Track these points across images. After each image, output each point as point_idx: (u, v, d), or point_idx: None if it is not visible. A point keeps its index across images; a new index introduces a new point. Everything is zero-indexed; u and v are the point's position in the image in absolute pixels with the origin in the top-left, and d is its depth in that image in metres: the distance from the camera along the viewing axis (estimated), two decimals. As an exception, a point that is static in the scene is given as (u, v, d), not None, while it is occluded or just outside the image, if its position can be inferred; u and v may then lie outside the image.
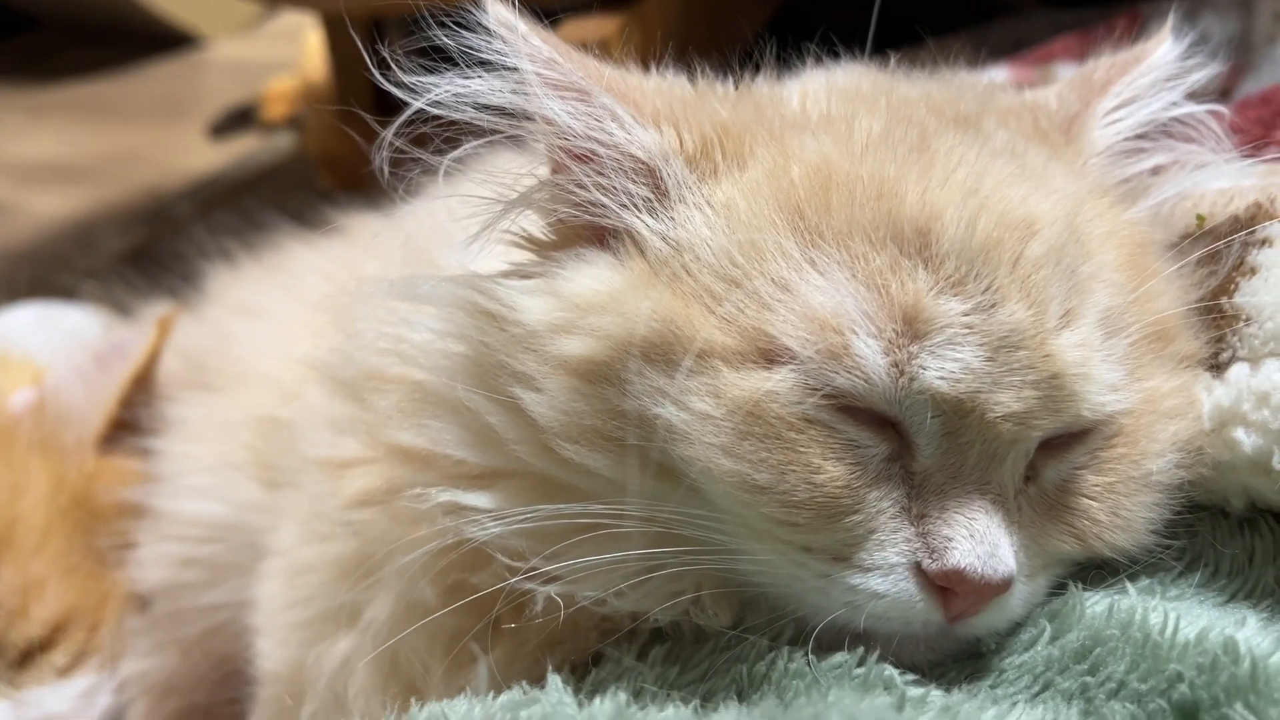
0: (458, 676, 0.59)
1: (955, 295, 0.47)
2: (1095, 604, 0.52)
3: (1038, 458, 0.50)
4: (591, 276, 0.53)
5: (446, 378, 0.57)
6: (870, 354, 0.47)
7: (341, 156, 1.85)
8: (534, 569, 0.54)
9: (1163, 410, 0.52)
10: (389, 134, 0.55)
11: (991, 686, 0.51)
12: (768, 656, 0.52)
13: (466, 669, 0.59)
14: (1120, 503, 0.51)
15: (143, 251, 1.83)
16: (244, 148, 2.19)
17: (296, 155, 2.10)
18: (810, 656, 0.52)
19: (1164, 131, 0.61)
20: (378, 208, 0.91)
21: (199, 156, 2.19)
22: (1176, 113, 0.61)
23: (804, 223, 0.50)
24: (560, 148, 0.54)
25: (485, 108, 0.54)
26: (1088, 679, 0.49)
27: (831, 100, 0.58)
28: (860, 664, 0.51)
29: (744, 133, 0.54)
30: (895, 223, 0.48)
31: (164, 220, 1.94)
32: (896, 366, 0.47)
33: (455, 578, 0.58)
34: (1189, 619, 0.49)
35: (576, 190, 0.54)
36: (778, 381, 0.48)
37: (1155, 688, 0.47)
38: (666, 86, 0.58)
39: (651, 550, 0.51)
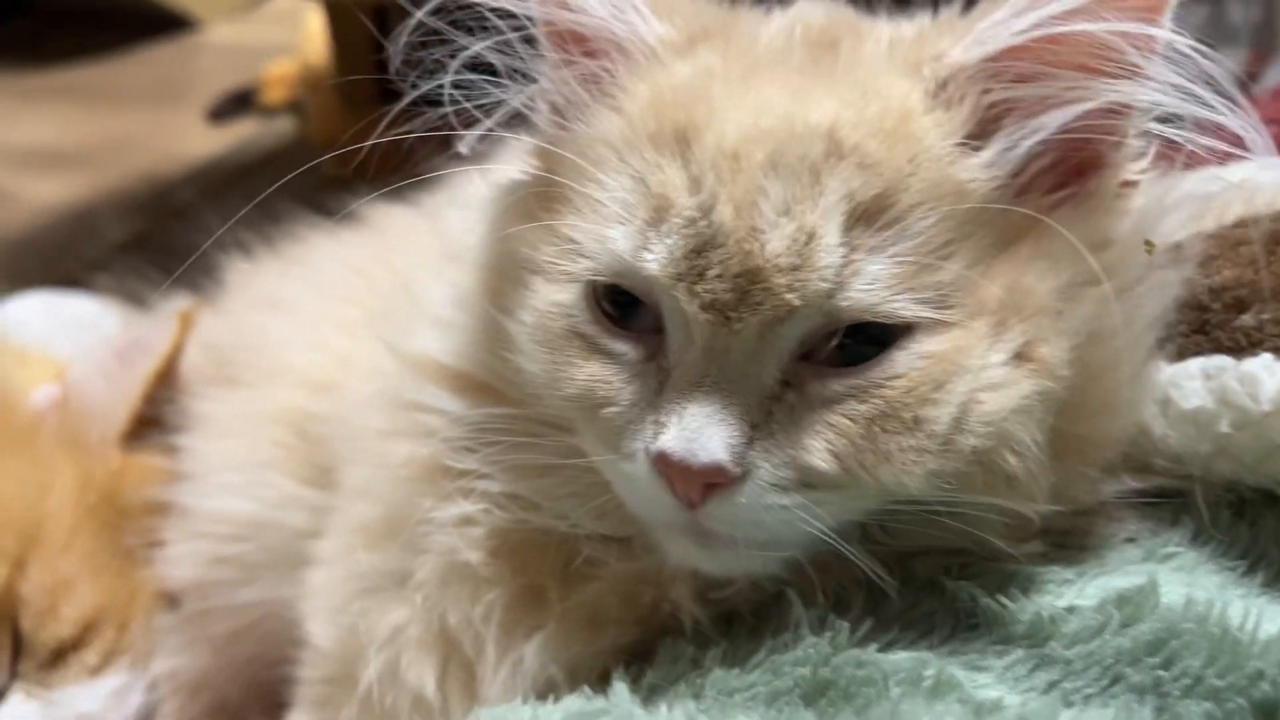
0: (511, 652, 0.60)
1: (691, 193, 0.51)
2: (1170, 594, 0.51)
3: (801, 369, 0.51)
4: (512, 195, 0.60)
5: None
6: (620, 236, 0.52)
7: (345, 141, 1.83)
8: (475, 473, 0.61)
9: (963, 366, 0.50)
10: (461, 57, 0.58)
11: (1059, 680, 0.51)
12: (832, 662, 0.52)
13: (519, 644, 0.60)
14: (879, 434, 0.50)
15: (145, 239, 1.81)
16: (243, 132, 2.17)
17: (297, 140, 2.08)
18: (875, 655, 0.52)
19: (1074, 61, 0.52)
20: (390, 196, 0.90)
21: (197, 141, 2.16)
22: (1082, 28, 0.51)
23: (636, 134, 0.54)
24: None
25: None
26: (1161, 673, 0.49)
27: (771, 34, 0.58)
28: (927, 667, 0.51)
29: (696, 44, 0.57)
30: (681, 128, 0.52)
31: (165, 207, 1.93)
32: (637, 248, 0.51)
33: (496, 541, 0.61)
34: (1270, 615, 0.49)
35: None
36: (568, 294, 0.55)
37: (1234, 685, 0.46)
38: None
39: (561, 460, 0.57)
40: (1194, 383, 0.56)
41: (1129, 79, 0.52)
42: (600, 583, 0.59)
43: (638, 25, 0.57)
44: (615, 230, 0.52)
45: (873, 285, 0.49)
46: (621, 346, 0.54)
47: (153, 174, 2.06)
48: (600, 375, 0.54)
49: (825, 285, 0.49)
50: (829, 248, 0.49)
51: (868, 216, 0.49)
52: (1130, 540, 0.57)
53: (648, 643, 0.60)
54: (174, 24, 2.83)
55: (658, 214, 0.51)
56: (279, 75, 2.20)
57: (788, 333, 0.50)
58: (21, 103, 2.48)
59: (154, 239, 1.80)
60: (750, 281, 0.49)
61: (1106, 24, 0.50)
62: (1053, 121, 0.52)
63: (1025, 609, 0.53)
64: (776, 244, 0.49)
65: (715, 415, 0.50)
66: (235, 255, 1.05)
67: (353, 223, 0.95)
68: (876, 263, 0.49)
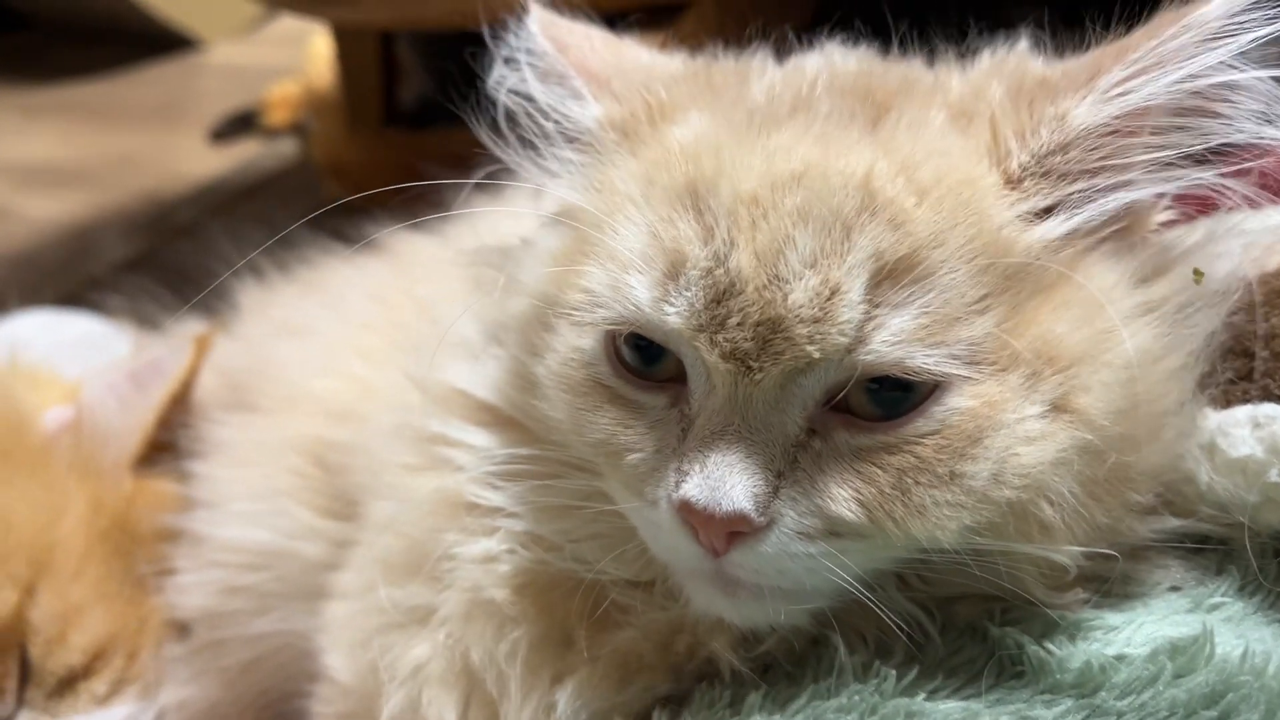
0: (535, 692, 0.59)
1: (705, 243, 0.50)
2: (1225, 645, 0.50)
3: (829, 418, 0.50)
4: (545, 240, 0.60)
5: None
6: (639, 286, 0.51)
7: (349, 165, 1.83)
8: (500, 510, 0.61)
9: (999, 421, 0.49)
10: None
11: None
12: (880, 711, 0.51)
13: (544, 686, 0.59)
14: (911, 486, 0.49)
15: (146, 258, 1.80)
16: (245, 153, 2.17)
17: (299, 162, 2.08)
18: (924, 705, 0.51)
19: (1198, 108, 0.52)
20: (411, 224, 0.90)
21: (199, 161, 2.15)
22: (1219, 79, 0.51)
23: (651, 189, 0.54)
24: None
25: (514, 93, 0.64)
26: (1217, 728, 0.48)
27: (775, 82, 0.59)
28: (978, 717, 0.50)
29: (673, 109, 0.59)
30: (693, 181, 0.52)
31: (166, 226, 1.91)
32: (657, 300, 0.51)
33: (522, 580, 0.60)
34: (1329, 671, 0.48)
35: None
36: (589, 340, 0.55)
37: (1294, 742, 0.46)
38: (640, 64, 0.64)
39: (587, 503, 0.57)
40: (1242, 430, 0.55)
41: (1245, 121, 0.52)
42: (634, 630, 0.58)
43: (572, 110, 0.61)
44: (634, 280, 0.52)
45: (898, 339, 0.48)
46: (643, 396, 0.54)
47: (154, 193, 2.05)
48: (623, 422, 0.54)
49: (844, 340, 0.48)
50: (850, 304, 0.48)
51: (894, 274, 0.49)
52: (1175, 589, 0.56)
53: (683, 688, 0.59)
54: (177, 43, 2.83)
55: (674, 268, 0.51)
56: (282, 97, 2.20)
57: (810, 382, 0.50)
58: (24, 118, 2.47)
59: (155, 258, 1.79)
60: (771, 330, 0.49)
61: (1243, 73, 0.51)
62: (1153, 187, 0.53)
63: (1074, 657, 0.53)
64: (799, 295, 0.48)
65: (739, 464, 0.49)
66: (248, 278, 1.04)
67: (372, 249, 0.95)
68: (900, 317, 0.48)
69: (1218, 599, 0.55)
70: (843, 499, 0.50)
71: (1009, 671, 0.54)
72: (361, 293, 0.88)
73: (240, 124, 2.23)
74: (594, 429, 0.55)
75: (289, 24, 2.21)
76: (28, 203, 2.06)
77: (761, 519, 0.49)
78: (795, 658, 0.57)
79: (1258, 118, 0.52)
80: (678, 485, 0.50)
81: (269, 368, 0.88)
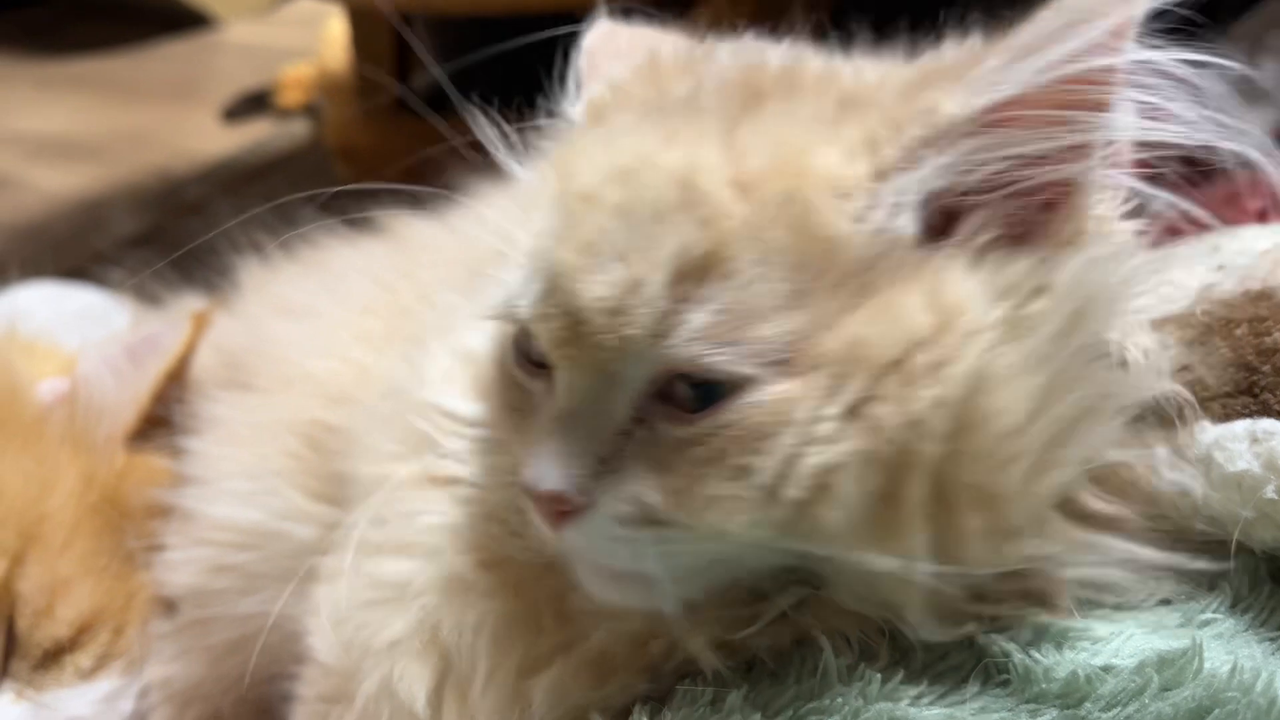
0: (500, 669, 0.59)
1: (550, 237, 0.52)
2: (1214, 660, 0.50)
3: (656, 409, 0.51)
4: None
5: None
6: (513, 281, 0.54)
7: (360, 148, 1.83)
8: (475, 485, 0.62)
9: (791, 419, 0.48)
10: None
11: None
12: (863, 716, 0.51)
13: (509, 663, 0.59)
14: (705, 477, 0.49)
15: (154, 234, 1.80)
16: (257, 133, 2.17)
17: (311, 143, 2.08)
18: (909, 710, 0.50)
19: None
20: (413, 206, 0.90)
21: (211, 139, 2.16)
22: (1096, 64, 0.48)
23: (541, 191, 0.55)
24: None
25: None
26: (1204, 745, 0.47)
27: (689, 78, 0.59)
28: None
29: (612, 111, 0.59)
30: (559, 179, 0.54)
31: (176, 203, 1.92)
32: (519, 294, 0.53)
33: (487, 555, 0.60)
34: (1319, 690, 0.47)
35: None
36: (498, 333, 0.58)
37: (1280, 761, 0.45)
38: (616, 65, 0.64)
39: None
40: (1240, 445, 0.55)
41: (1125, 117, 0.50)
42: (604, 633, 0.58)
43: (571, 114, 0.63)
44: (511, 276, 0.54)
45: (694, 337, 0.48)
46: (534, 384, 0.56)
47: (165, 170, 2.05)
48: (520, 409, 0.56)
49: (638, 334, 0.49)
50: (648, 299, 0.49)
51: (700, 270, 0.48)
52: (1166, 603, 0.56)
53: (664, 686, 0.58)
54: (193, 21, 2.83)
55: (530, 260, 0.53)
56: (296, 78, 2.21)
57: (627, 374, 0.51)
58: (38, 91, 2.47)
59: (163, 235, 1.79)
60: (578, 321, 0.50)
61: (1114, 56, 0.48)
62: (1022, 180, 0.50)
63: (1060, 666, 0.52)
64: (601, 288, 0.49)
65: (562, 447, 0.52)
66: (249, 257, 1.04)
67: (374, 232, 0.94)
68: (699, 315, 0.48)
69: (1209, 615, 0.54)
70: (652, 487, 0.51)
71: (994, 679, 0.53)
72: (364, 276, 0.88)
73: (253, 104, 2.23)
74: (502, 410, 0.58)
75: (306, 5, 2.20)
76: (38, 174, 2.07)
77: (580, 499, 0.51)
78: (780, 657, 0.57)
79: (1138, 109, 0.49)
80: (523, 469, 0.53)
81: (267, 347, 0.88)
